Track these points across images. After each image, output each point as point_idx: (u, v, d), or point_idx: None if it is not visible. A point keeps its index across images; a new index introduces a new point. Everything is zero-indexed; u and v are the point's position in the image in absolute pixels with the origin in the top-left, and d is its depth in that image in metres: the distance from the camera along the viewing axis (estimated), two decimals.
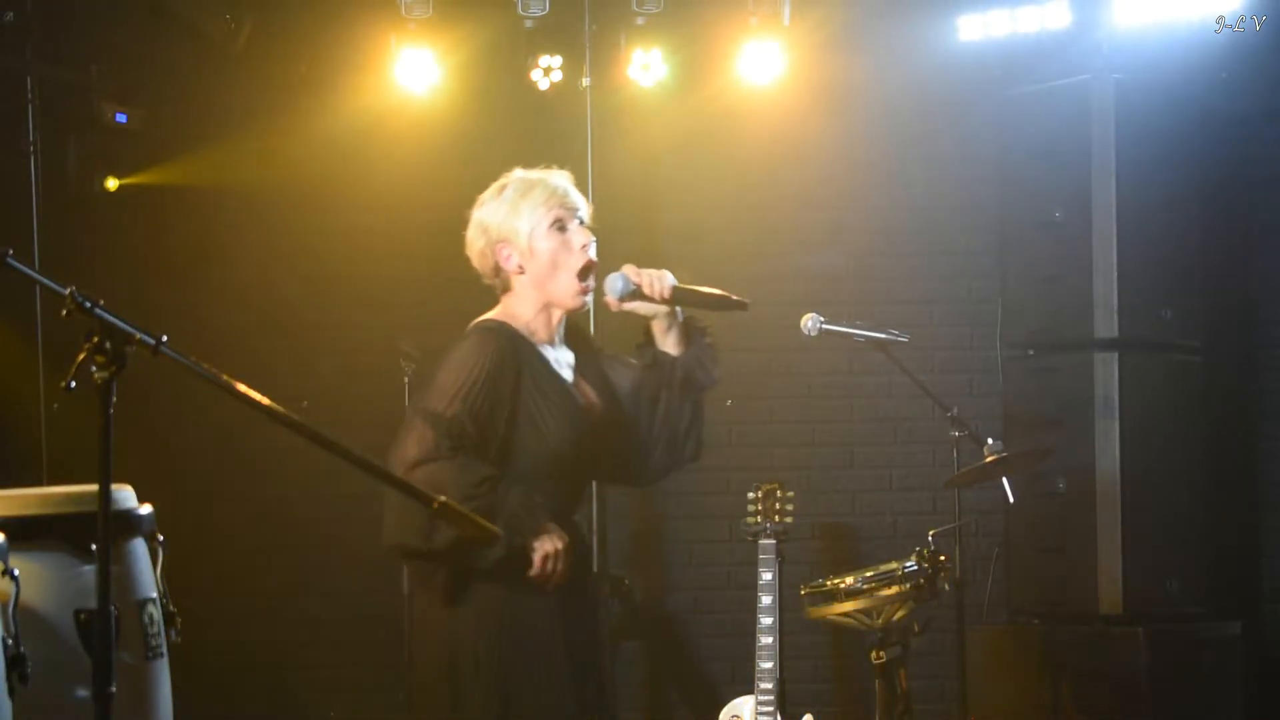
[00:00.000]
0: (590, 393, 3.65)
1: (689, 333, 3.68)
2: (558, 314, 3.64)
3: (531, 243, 3.59)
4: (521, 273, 3.61)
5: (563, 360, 3.66)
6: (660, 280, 3.61)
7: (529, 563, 3.44)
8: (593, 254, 3.62)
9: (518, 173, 3.73)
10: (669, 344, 3.66)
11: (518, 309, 3.63)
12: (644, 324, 3.71)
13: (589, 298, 3.63)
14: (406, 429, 3.51)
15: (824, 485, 6.86)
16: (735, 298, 3.63)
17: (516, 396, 3.51)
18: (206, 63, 6.51)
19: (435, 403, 3.49)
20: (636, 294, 3.61)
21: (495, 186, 3.69)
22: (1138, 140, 6.31)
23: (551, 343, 3.65)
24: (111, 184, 6.55)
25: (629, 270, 3.62)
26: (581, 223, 3.64)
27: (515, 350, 3.56)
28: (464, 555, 3.43)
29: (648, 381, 3.67)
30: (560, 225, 3.60)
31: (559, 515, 3.55)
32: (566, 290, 3.60)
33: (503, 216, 3.62)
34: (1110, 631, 6.21)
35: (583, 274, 3.61)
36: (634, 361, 3.73)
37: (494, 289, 3.70)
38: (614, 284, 3.62)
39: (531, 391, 3.53)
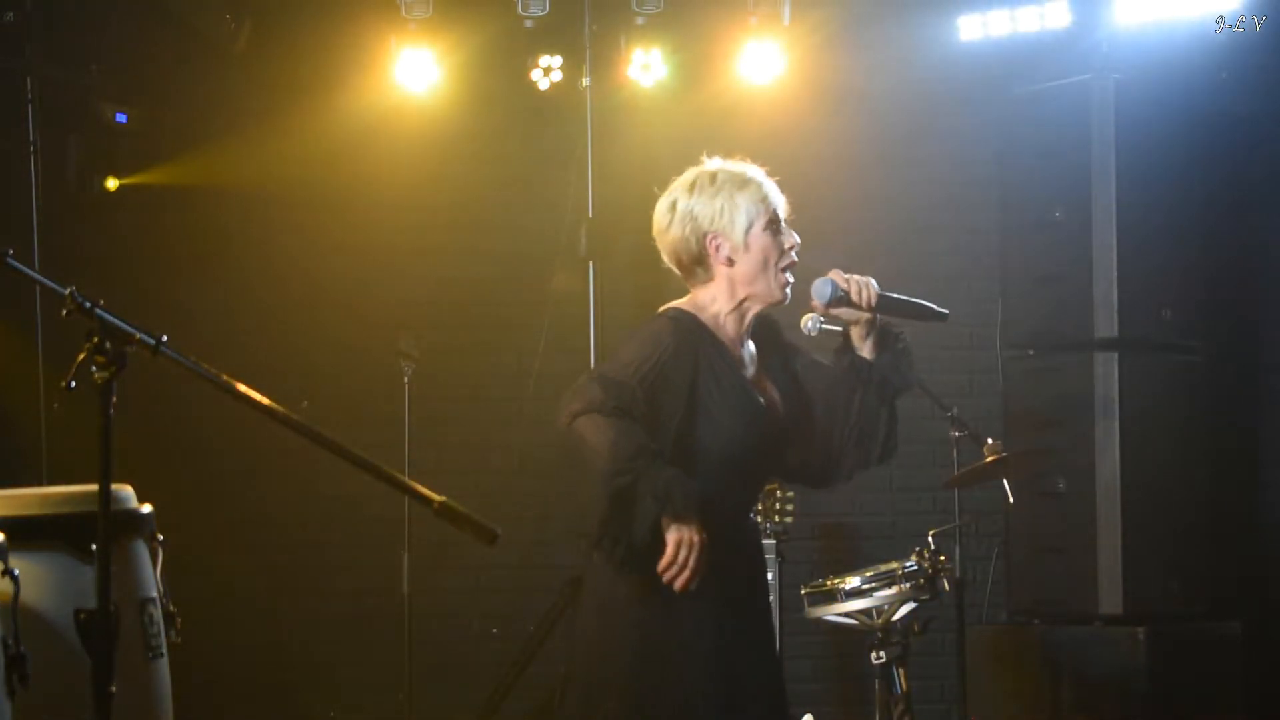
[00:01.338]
0: (773, 391, 3.63)
1: (884, 337, 3.67)
2: (752, 310, 3.61)
3: (748, 238, 3.58)
4: (730, 265, 3.58)
5: (748, 357, 3.64)
6: (867, 287, 3.61)
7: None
8: (796, 255, 3.63)
9: (719, 162, 3.72)
10: (866, 349, 3.64)
11: (711, 301, 3.61)
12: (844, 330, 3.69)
13: (789, 291, 3.62)
14: (576, 388, 3.44)
15: None
16: (936, 308, 3.66)
17: (694, 389, 3.48)
18: (206, 63, 6.51)
19: (611, 370, 3.47)
20: (844, 300, 3.60)
21: (703, 175, 3.66)
22: (1138, 140, 6.31)
23: (739, 339, 3.62)
24: (111, 184, 6.55)
25: (836, 276, 3.62)
26: (785, 222, 3.64)
27: (698, 342, 3.53)
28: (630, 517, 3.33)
29: (843, 384, 3.64)
30: (775, 225, 3.62)
31: (736, 512, 3.56)
32: (772, 287, 3.59)
33: (718, 208, 3.59)
34: (1110, 631, 6.21)
35: (787, 271, 3.62)
36: (827, 363, 3.70)
37: (684, 278, 3.65)
38: (822, 289, 3.60)
39: (710, 386, 3.50)
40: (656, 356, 3.45)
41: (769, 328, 3.71)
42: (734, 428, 3.50)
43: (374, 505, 6.44)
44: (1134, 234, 6.30)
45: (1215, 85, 6.51)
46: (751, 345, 3.66)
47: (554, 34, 6.57)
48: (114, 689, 2.80)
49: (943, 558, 5.69)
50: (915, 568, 5.65)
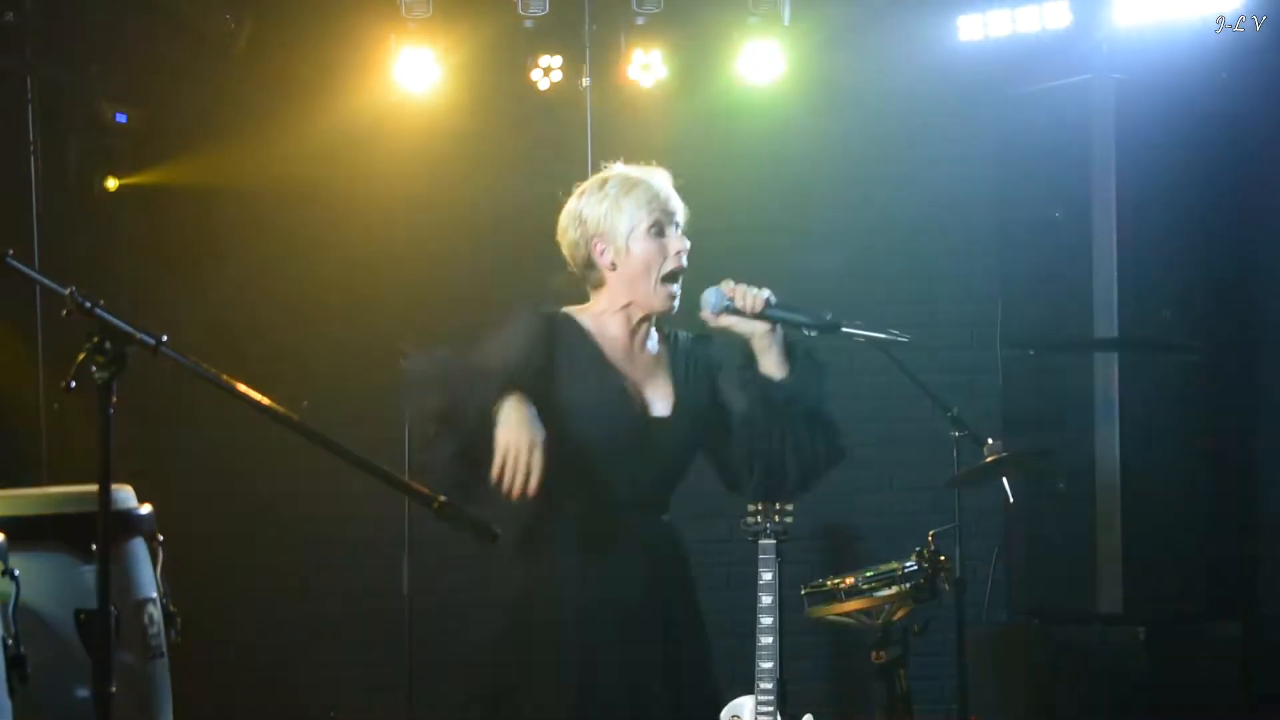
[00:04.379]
0: (663, 398, 3.61)
1: (793, 352, 3.62)
2: (638, 314, 3.61)
3: (629, 242, 3.57)
4: (613, 270, 3.59)
5: (639, 361, 3.62)
6: (754, 296, 3.56)
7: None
8: (684, 261, 3.59)
9: (619, 168, 3.72)
10: (770, 364, 3.58)
11: (598, 303, 3.63)
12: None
13: (676, 303, 3.59)
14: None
15: (824, 485, 6.83)
16: (829, 318, 3.58)
17: (552, 378, 3.50)
18: (206, 63, 6.51)
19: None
20: (732, 309, 3.56)
21: (597, 179, 3.68)
22: (1138, 140, 6.31)
23: (626, 342, 3.62)
24: (111, 184, 6.55)
25: (725, 285, 3.58)
26: (678, 228, 3.62)
27: (558, 335, 3.56)
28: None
29: (752, 402, 3.60)
30: (658, 229, 3.58)
31: (625, 508, 3.54)
32: (654, 293, 3.57)
33: (603, 212, 3.60)
34: (1110, 631, 6.21)
35: (670, 278, 3.58)
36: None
37: (581, 280, 3.67)
38: (708, 298, 3.57)
39: (569, 380, 3.52)
40: (514, 340, 3.53)
41: (699, 343, 3.69)
42: (591, 427, 3.51)
43: (374, 505, 6.44)
44: (1134, 234, 6.30)
45: (1215, 85, 6.51)
46: (653, 350, 3.64)
47: (554, 34, 6.57)
48: (114, 689, 2.80)
49: (943, 558, 5.69)
50: (915, 568, 5.65)
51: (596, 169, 3.71)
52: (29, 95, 6.06)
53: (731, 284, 3.59)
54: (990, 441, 5.73)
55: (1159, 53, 6.37)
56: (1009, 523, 6.60)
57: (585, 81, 6.62)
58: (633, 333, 3.62)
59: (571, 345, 3.57)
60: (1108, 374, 6.30)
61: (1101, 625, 6.24)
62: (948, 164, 6.99)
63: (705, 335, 3.68)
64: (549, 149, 6.85)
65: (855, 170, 7.03)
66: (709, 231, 6.95)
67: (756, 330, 3.57)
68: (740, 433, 3.61)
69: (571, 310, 3.64)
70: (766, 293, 3.58)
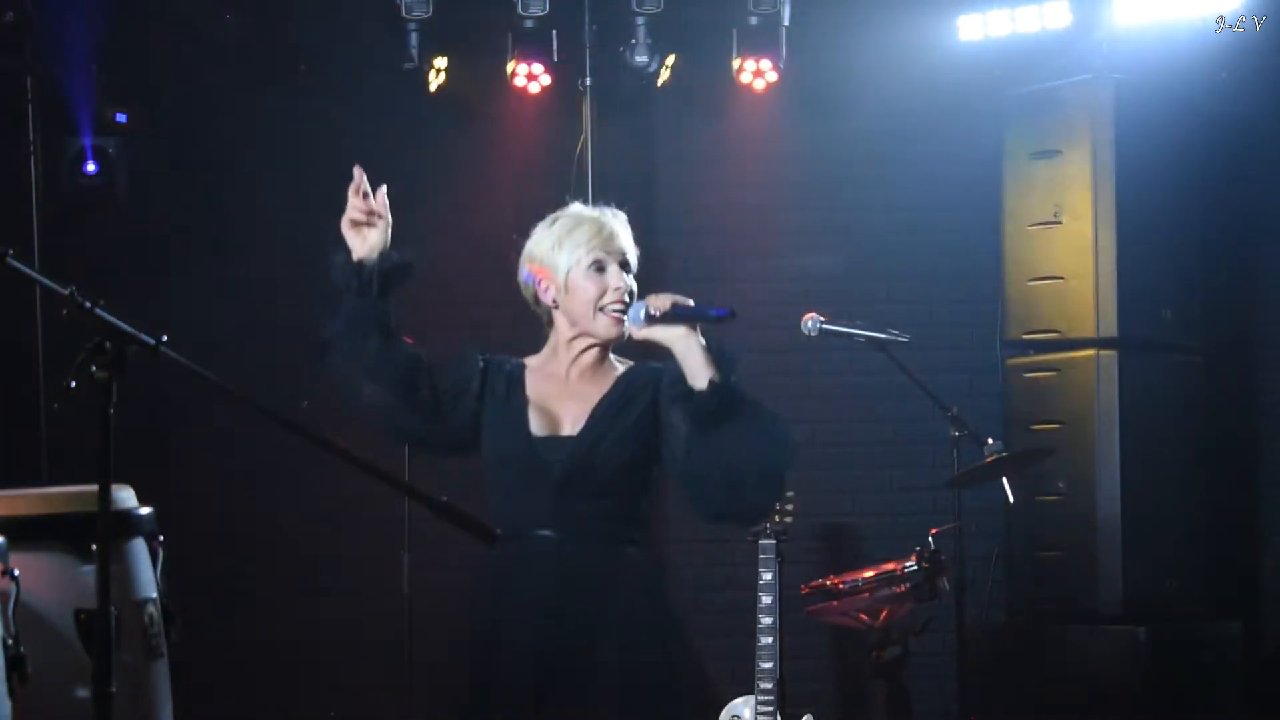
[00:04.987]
0: (567, 419, 3.57)
1: (721, 357, 3.49)
2: (584, 343, 3.59)
3: (569, 280, 3.56)
4: (555, 307, 3.60)
5: (568, 387, 3.60)
6: (662, 298, 3.49)
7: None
8: (626, 298, 3.54)
9: (574, 207, 3.69)
10: (693, 370, 3.45)
11: (549, 344, 3.65)
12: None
13: (624, 328, 3.55)
14: None
15: (824, 485, 6.86)
16: (712, 312, 3.46)
17: (479, 400, 3.60)
18: (206, 63, 6.50)
19: None
20: (652, 318, 3.48)
21: (548, 219, 3.68)
22: (1138, 140, 6.31)
23: (563, 370, 3.61)
24: None
25: (649, 298, 3.52)
26: (623, 266, 3.57)
27: (493, 365, 3.64)
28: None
29: (682, 420, 3.52)
30: (599, 266, 3.56)
31: (544, 528, 3.51)
32: (594, 326, 3.56)
33: (546, 250, 3.60)
34: (1110, 631, 6.21)
35: (616, 309, 3.54)
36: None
37: (540, 317, 3.68)
38: (634, 314, 3.51)
39: (491, 403, 3.59)
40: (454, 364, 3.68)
41: (658, 371, 3.60)
42: (494, 444, 3.58)
43: (374, 505, 6.43)
44: (1134, 234, 6.30)
45: (1215, 85, 6.51)
46: (600, 378, 3.61)
47: (553, 34, 6.56)
48: (114, 689, 2.80)
49: (943, 558, 5.69)
50: (915, 568, 5.65)
51: (595, 170, 3.73)
52: (29, 95, 6.06)
53: (653, 296, 3.52)
54: (990, 441, 5.73)
55: (1159, 53, 6.37)
56: (1009, 523, 6.60)
57: (585, 81, 6.61)
58: (574, 361, 3.61)
59: (499, 370, 3.62)
60: (1108, 374, 6.30)
61: (1101, 625, 6.24)
62: (948, 164, 6.99)
63: (660, 364, 3.59)
64: (549, 149, 6.85)
65: (855, 170, 7.03)
66: (709, 231, 7.00)
67: (676, 336, 3.46)
68: (675, 454, 3.54)
69: (529, 359, 3.68)
70: (675, 296, 3.50)
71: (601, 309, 3.54)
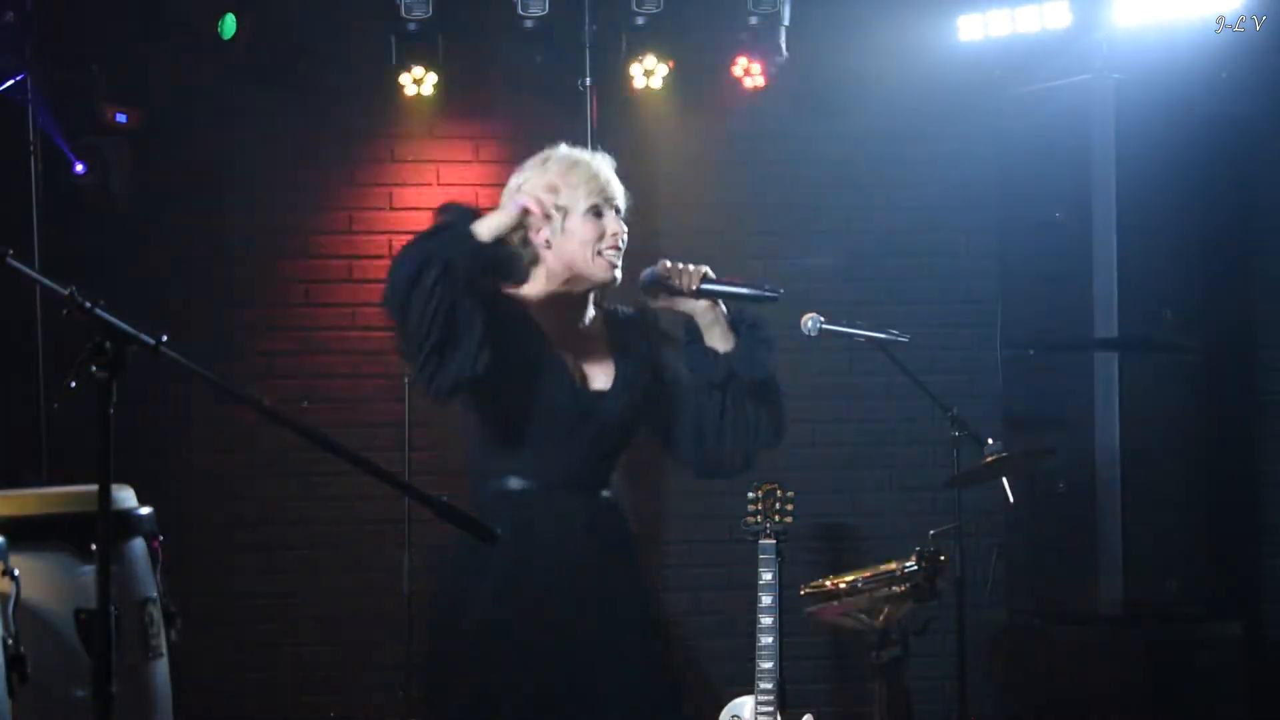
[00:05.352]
0: (596, 373, 3.59)
1: (737, 326, 3.62)
2: (578, 288, 3.58)
3: (566, 223, 3.54)
4: (548, 248, 3.55)
5: (578, 337, 3.60)
6: (690, 274, 3.55)
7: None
8: (621, 243, 3.56)
9: (563, 148, 3.68)
10: (715, 339, 3.61)
11: (537, 283, 3.58)
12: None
13: (618, 273, 3.56)
14: None
15: (824, 485, 6.86)
16: (766, 290, 3.58)
17: (506, 357, 3.45)
18: (206, 63, 6.51)
19: None
20: (664, 284, 3.55)
21: (538, 158, 3.64)
22: (1138, 140, 6.31)
23: (565, 318, 3.59)
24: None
25: (663, 262, 3.58)
26: (618, 213, 3.59)
27: (502, 315, 3.48)
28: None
29: (698, 377, 3.62)
30: (596, 211, 3.56)
31: (565, 483, 3.51)
32: (591, 269, 3.54)
33: (540, 190, 3.56)
34: (1110, 631, 6.21)
35: (610, 254, 3.55)
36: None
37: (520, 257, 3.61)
38: (645, 277, 3.57)
39: (510, 358, 3.45)
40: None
41: (641, 316, 3.69)
42: (531, 403, 3.48)
43: (374, 505, 6.44)
44: (1134, 234, 6.30)
45: (1215, 86, 6.51)
46: (592, 325, 3.63)
47: (554, 34, 6.56)
48: (114, 689, 2.80)
49: (943, 558, 5.69)
50: (915, 568, 5.65)
51: None
52: (29, 95, 6.06)
53: (669, 263, 3.58)
54: (990, 441, 5.73)
55: (1159, 53, 6.37)
56: (1009, 523, 6.60)
57: (585, 81, 6.61)
58: (571, 308, 3.60)
59: (513, 324, 3.52)
60: (1108, 374, 6.30)
61: (1101, 625, 6.24)
62: (948, 164, 6.99)
63: (645, 308, 3.67)
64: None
65: (854, 170, 7.03)
66: (709, 231, 7.01)
67: (697, 308, 3.58)
68: (687, 406, 3.63)
69: (511, 291, 3.58)
70: (705, 269, 3.58)
71: (599, 253, 3.54)
